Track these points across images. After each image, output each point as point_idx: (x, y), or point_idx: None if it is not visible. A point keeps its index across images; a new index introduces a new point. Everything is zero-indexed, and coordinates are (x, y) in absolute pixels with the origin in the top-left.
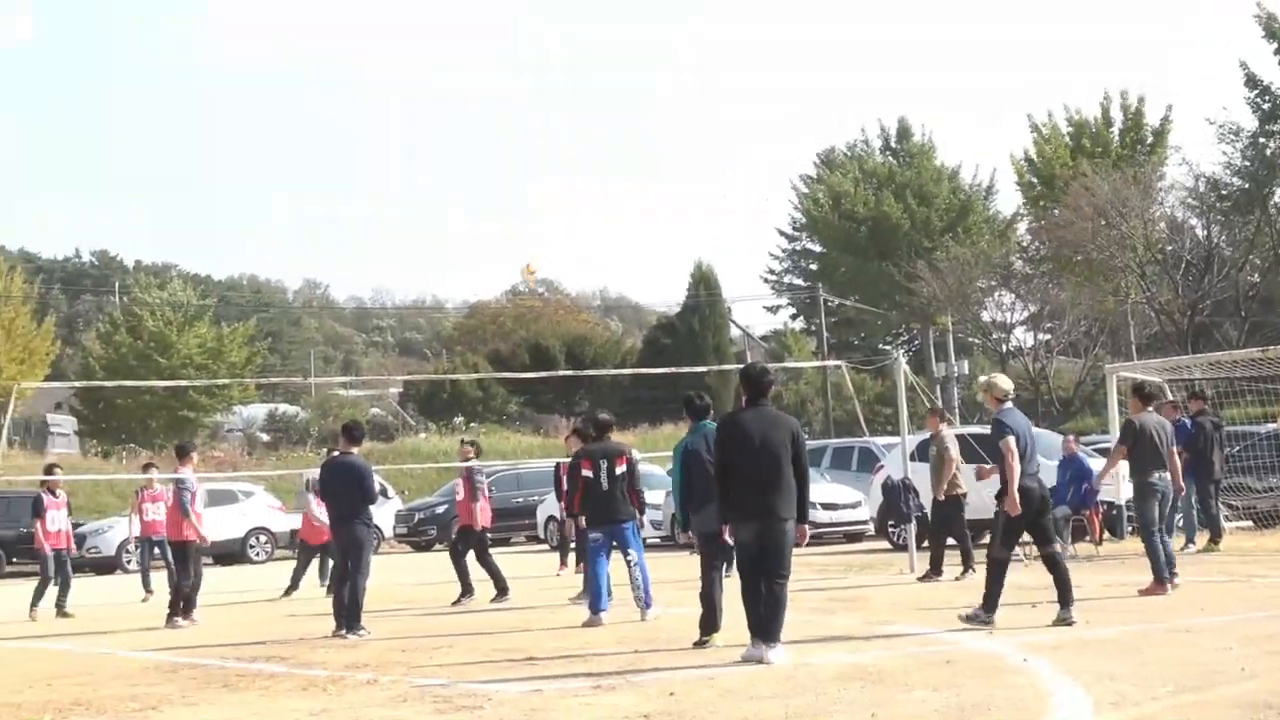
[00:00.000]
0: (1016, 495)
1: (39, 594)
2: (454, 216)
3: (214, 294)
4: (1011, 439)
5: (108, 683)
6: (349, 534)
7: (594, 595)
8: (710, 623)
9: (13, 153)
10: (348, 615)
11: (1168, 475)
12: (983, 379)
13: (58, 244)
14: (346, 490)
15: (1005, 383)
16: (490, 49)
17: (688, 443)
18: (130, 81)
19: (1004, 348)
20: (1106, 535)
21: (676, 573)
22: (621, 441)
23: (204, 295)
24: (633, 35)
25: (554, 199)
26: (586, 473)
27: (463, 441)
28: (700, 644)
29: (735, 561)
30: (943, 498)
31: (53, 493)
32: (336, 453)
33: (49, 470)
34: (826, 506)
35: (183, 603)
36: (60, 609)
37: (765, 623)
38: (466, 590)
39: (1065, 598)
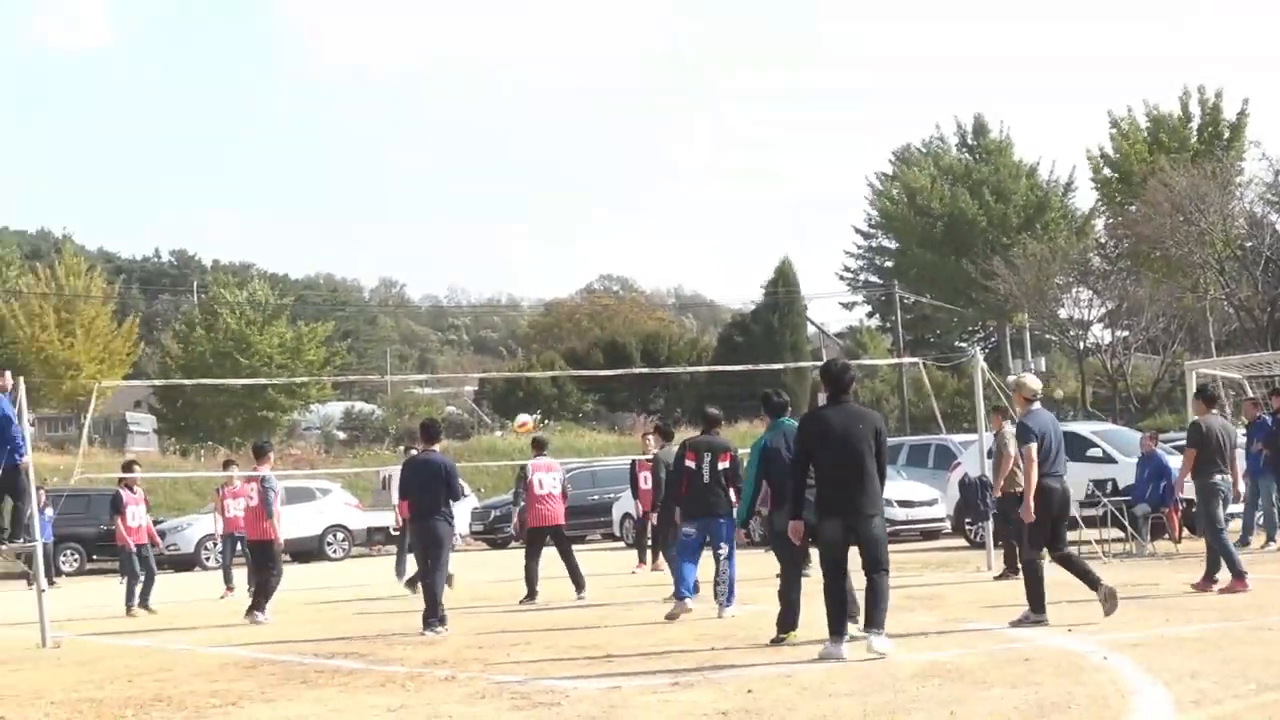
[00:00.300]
0: (1032, 503)
1: (131, 592)
2: (529, 214)
3: (292, 293)
4: (1033, 446)
5: (187, 679)
6: (430, 531)
7: (681, 581)
8: (788, 620)
9: (94, 154)
10: (426, 611)
11: (1229, 477)
12: (1012, 379)
13: (137, 244)
14: (428, 487)
15: (1034, 383)
16: (560, 44)
17: (767, 440)
18: (206, 83)
19: (1081, 345)
20: (1185, 533)
21: (752, 570)
22: (726, 438)
23: (282, 295)
24: (699, 31)
25: (628, 196)
26: (689, 463)
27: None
28: (777, 641)
29: (819, 559)
30: (999, 494)
31: (131, 489)
32: (415, 451)
33: (127, 467)
34: (903, 504)
35: (265, 599)
36: (144, 604)
37: (870, 612)
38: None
39: (1092, 583)
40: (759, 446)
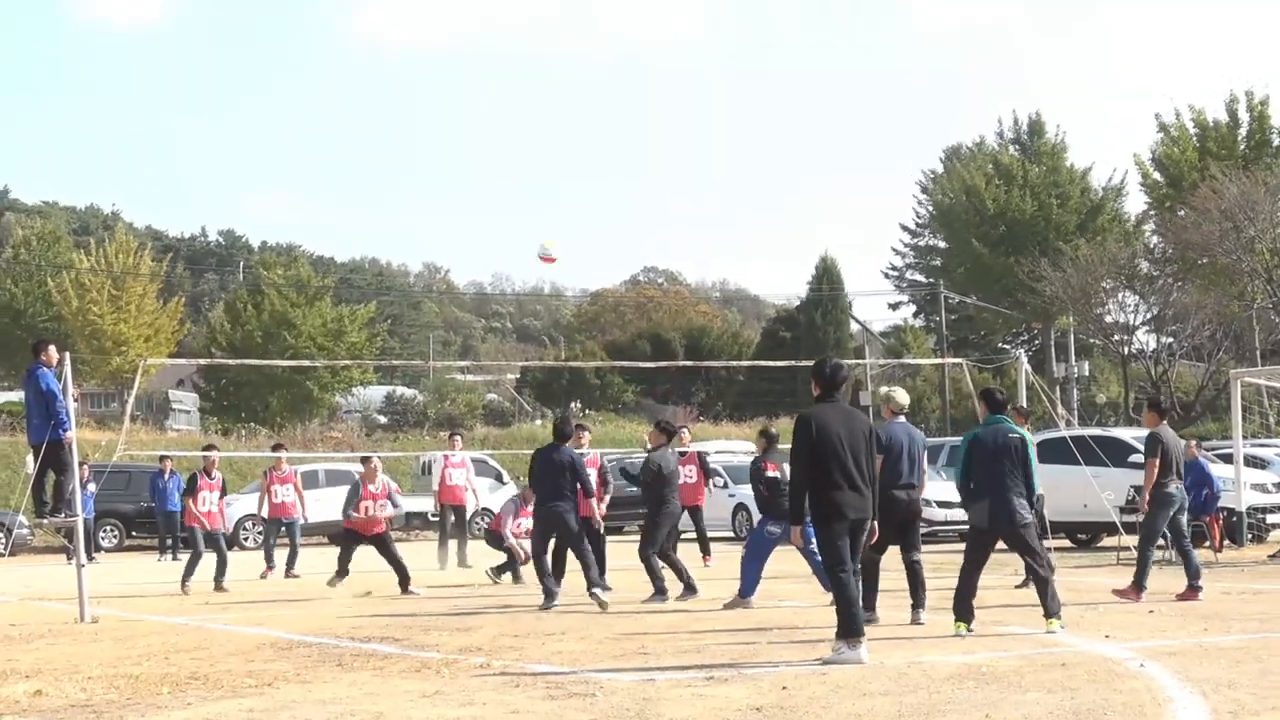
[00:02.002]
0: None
1: (190, 570)
2: (574, 204)
3: (337, 275)
4: (879, 458)
5: (224, 658)
6: (551, 514)
7: (749, 580)
8: (964, 610)
9: (144, 131)
10: (591, 574)
11: (1183, 486)
12: (884, 390)
13: (184, 222)
14: (553, 478)
15: (903, 397)
16: (607, 26)
17: (978, 432)
18: (257, 62)
19: (1125, 350)
20: (1226, 542)
21: (789, 566)
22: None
23: (326, 276)
24: (742, 15)
25: (673, 189)
26: (773, 474)
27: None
28: (958, 635)
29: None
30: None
31: (209, 473)
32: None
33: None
34: (942, 504)
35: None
36: (218, 585)
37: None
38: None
39: (916, 597)
40: (968, 440)
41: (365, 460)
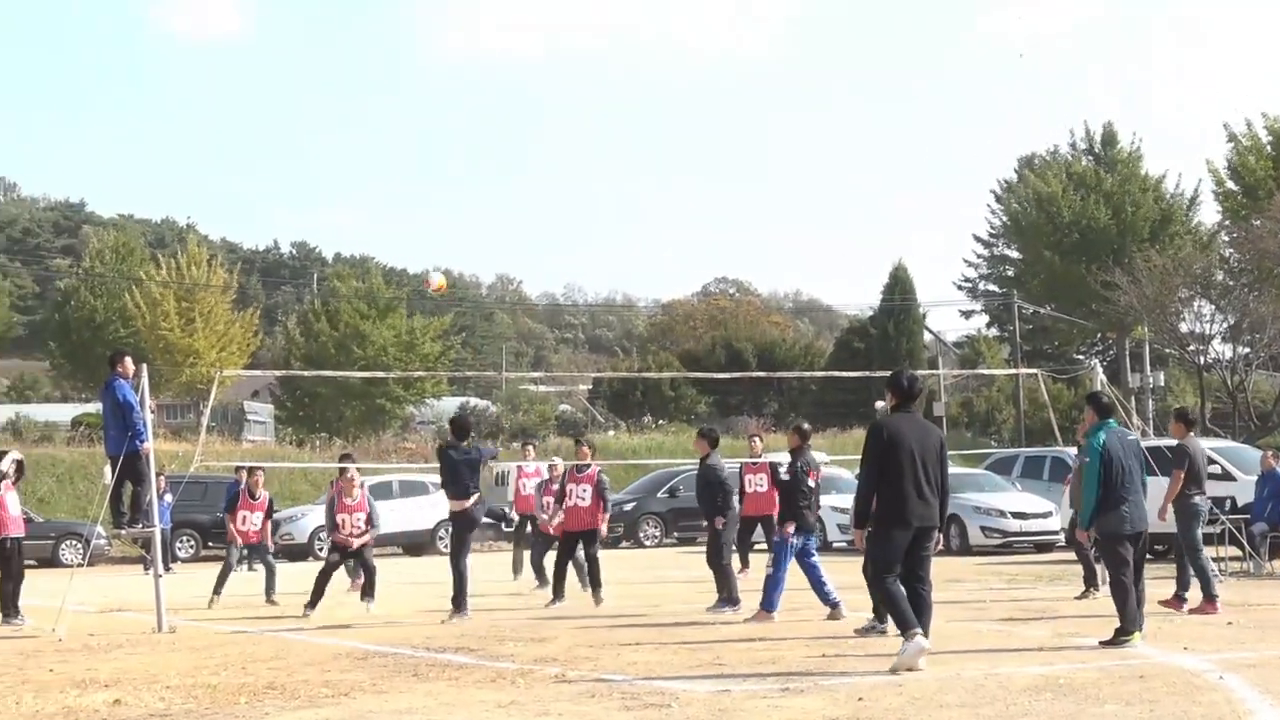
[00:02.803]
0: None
1: (220, 583)
2: (646, 214)
3: (409, 287)
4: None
5: (300, 668)
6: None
7: (777, 593)
8: (1129, 621)
9: (219, 145)
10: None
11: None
12: (879, 405)
13: (259, 235)
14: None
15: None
16: (681, 39)
17: (1104, 440)
18: (330, 75)
19: (1201, 360)
20: None
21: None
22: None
23: (398, 288)
24: (823, 28)
25: (745, 199)
26: (811, 482)
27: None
28: (1117, 643)
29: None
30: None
31: (252, 494)
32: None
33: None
34: (1017, 515)
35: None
36: (268, 598)
37: (920, 622)
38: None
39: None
40: (1097, 449)
41: (342, 471)
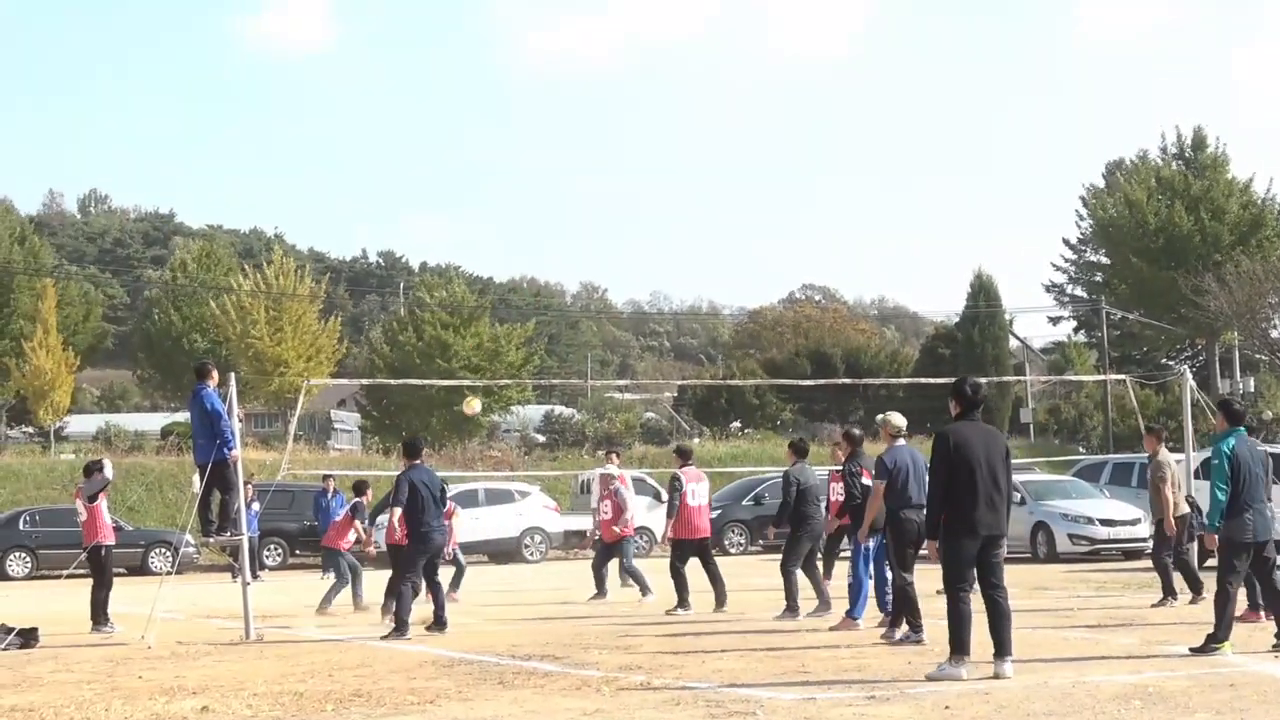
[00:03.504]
0: (867, 527)
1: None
2: (732, 222)
3: (495, 295)
4: (883, 483)
5: (386, 675)
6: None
7: (862, 601)
8: (1224, 629)
9: (308, 155)
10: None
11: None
12: (880, 416)
13: (346, 244)
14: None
15: (899, 419)
16: (760, 43)
17: (1234, 445)
18: (417, 87)
19: None
20: None
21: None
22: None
23: (482, 296)
24: (900, 32)
25: (831, 206)
26: (866, 481)
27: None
28: (1208, 650)
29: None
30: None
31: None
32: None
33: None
34: (1105, 523)
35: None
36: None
37: (998, 633)
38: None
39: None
40: (1226, 453)
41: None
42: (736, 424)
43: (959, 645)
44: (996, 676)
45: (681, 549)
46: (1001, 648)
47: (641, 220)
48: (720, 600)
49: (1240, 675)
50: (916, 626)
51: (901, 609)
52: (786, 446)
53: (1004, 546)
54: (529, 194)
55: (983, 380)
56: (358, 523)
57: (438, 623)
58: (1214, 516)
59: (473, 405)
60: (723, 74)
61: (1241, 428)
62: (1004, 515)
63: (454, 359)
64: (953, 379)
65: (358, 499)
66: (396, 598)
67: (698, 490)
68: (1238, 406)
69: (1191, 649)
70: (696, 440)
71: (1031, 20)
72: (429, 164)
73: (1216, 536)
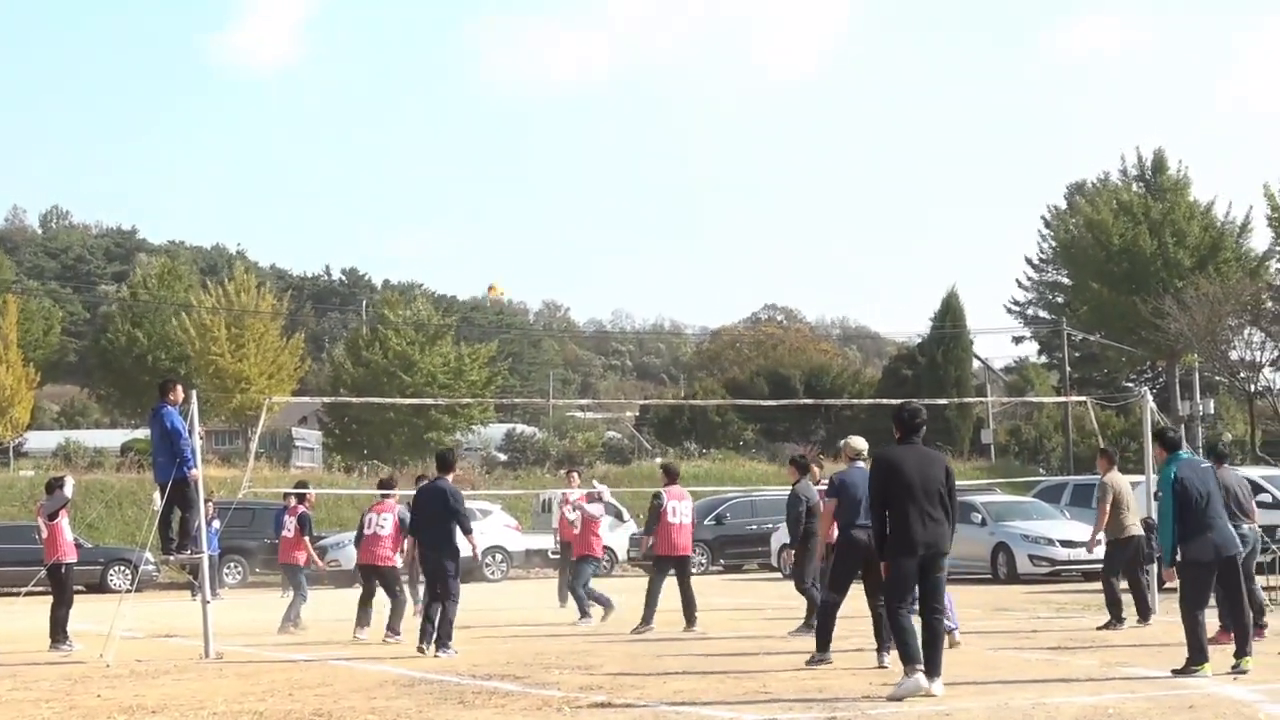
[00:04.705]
0: (823, 547)
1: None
2: (694, 242)
3: (457, 314)
4: (834, 501)
5: (346, 694)
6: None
7: None
8: (1198, 652)
9: (270, 172)
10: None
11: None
12: (842, 441)
13: (309, 261)
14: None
15: (859, 443)
16: (726, 64)
17: (1175, 472)
18: (378, 105)
19: (1251, 387)
20: None
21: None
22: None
23: (446, 315)
24: (867, 54)
25: (793, 226)
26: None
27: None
28: (1188, 672)
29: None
30: (1100, 540)
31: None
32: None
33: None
34: (1065, 544)
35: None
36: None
37: (929, 653)
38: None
39: (880, 640)
40: (1170, 481)
41: (384, 497)
42: (693, 445)
43: (910, 657)
44: (926, 695)
45: (661, 565)
46: (933, 668)
47: (604, 240)
48: (690, 620)
49: (1200, 697)
50: (824, 645)
51: (824, 627)
52: (789, 463)
53: (944, 568)
54: (490, 213)
55: (942, 401)
56: (306, 540)
57: (390, 630)
58: (1167, 553)
59: None
60: (685, 95)
61: (1181, 452)
62: (944, 532)
63: (418, 375)
64: (912, 400)
65: (304, 510)
66: (440, 614)
67: (680, 508)
68: (1172, 434)
69: (1174, 670)
70: (659, 460)
71: (998, 42)
72: (393, 181)
73: (1175, 570)
